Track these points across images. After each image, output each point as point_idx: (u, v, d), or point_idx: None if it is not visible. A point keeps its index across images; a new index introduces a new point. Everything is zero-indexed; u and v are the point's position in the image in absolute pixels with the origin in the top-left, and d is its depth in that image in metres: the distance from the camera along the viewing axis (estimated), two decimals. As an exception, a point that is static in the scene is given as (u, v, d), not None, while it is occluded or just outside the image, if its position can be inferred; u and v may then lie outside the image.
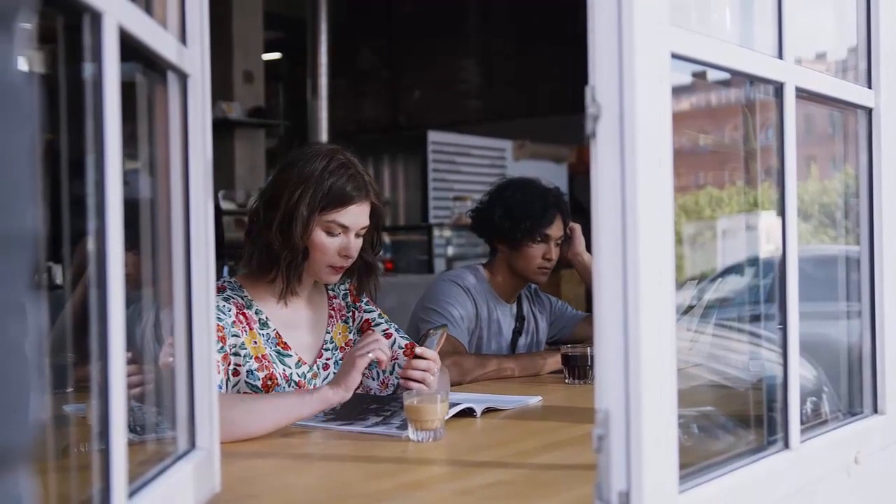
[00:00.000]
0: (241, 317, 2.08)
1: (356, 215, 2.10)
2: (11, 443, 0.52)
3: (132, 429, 1.18)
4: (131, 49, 1.06)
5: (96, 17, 0.95)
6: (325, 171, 2.05)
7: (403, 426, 1.83)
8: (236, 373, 2.04)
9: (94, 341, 0.96)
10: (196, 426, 1.32)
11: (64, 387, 1.34)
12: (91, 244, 0.97)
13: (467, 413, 2.03)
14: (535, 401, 2.27)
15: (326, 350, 2.22)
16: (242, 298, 2.12)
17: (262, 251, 2.10)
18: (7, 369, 0.51)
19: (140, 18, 1.09)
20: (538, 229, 2.87)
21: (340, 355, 2.22)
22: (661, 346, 1.14)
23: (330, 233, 2.08)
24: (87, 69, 0.97)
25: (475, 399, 2.12)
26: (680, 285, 1.22)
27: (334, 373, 2.17)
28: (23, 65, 0.55)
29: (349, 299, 2.30)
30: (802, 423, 1.48)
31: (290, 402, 1.89)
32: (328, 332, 2.23)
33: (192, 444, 1.31)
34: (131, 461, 1.01)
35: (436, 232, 7.41)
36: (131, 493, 1.04)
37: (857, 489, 1.62)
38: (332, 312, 2.26)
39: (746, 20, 1.73)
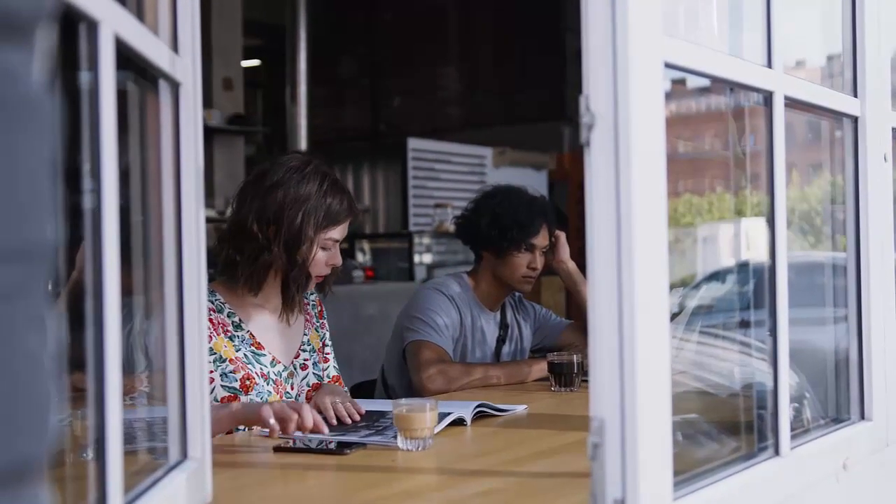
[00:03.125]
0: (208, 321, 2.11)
1: (346, 228, 2.24)
2: (35, 454, 0.51)
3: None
4: (123, 57, 1.06)
5: (93, 26, 0.95)
6: (321, 192, 2.16)
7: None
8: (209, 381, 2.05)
9: (89, 351, 0.95)
10: (188, 437, 1.31)
11: None
12: (87, 252, 0.96)
13: (456, 422, 2.03)
14: (521, 409, 2.27)
15: (304, 351, 2.30)
16: (213, 302, 2.16)
17: (260, 267, 2.14)
18: (28, 382, 0.50)
19: (135, 27, 1.08)
20: (524, 239, 2.86)
21: (317, 357, 2.32)
22: (655, 354, 1.14)
23: (325, 248, 2.20)
24: (83, 77, 0.96)
25: (463, 406, 2.11)
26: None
27: (313, 373, 2.29)
28: (42, 76, 0.54)
29: (315, 311, 2.39)
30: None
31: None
32: (305, 334, 2.32)
33: (184, 455, 1.31)
34: (123, 472, 1.00)
35: (416, 239, 7.38)
36: (126, 505, 1.03)
37: (846, 495, 1.63)
38: (308, 316, 2.35)
39: (733, 28, 1.74)
